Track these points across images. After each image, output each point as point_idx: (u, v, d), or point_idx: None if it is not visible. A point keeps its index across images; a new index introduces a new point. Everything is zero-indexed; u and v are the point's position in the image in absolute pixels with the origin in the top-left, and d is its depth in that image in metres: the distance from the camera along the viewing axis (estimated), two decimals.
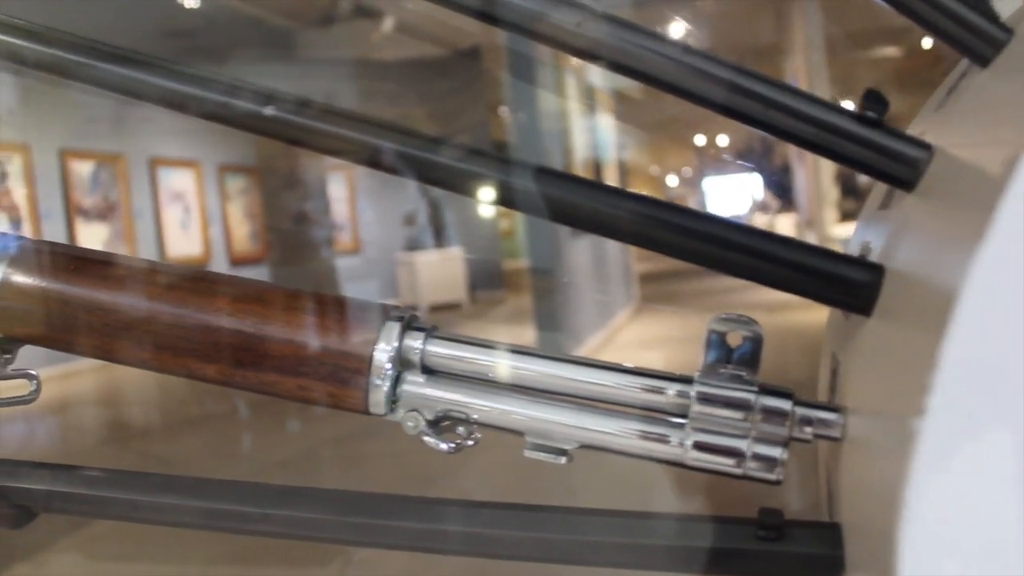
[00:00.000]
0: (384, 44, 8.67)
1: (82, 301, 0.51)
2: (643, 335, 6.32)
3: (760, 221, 12.53)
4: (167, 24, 6.55)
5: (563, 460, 0.47)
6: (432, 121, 8.80)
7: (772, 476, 0.45)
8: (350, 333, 0.49)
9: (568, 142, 5.99)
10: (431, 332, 0.49)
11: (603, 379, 0.47)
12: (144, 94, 0.55)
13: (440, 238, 8.98)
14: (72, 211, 6.80)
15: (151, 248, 7.47)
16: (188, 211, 7.94)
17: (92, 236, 6.90)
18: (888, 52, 9.72)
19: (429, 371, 0.49)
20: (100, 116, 7.07)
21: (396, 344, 0.48)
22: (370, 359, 0.48)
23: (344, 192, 9.25)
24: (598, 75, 6.96)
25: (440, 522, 0.51)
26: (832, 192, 8.66)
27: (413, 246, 8.86)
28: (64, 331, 0.52)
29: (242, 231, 8.59)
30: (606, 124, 7.61)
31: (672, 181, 16.83)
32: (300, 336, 0.49)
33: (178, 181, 7.86)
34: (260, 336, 0.50)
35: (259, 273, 8.56)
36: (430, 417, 0.48)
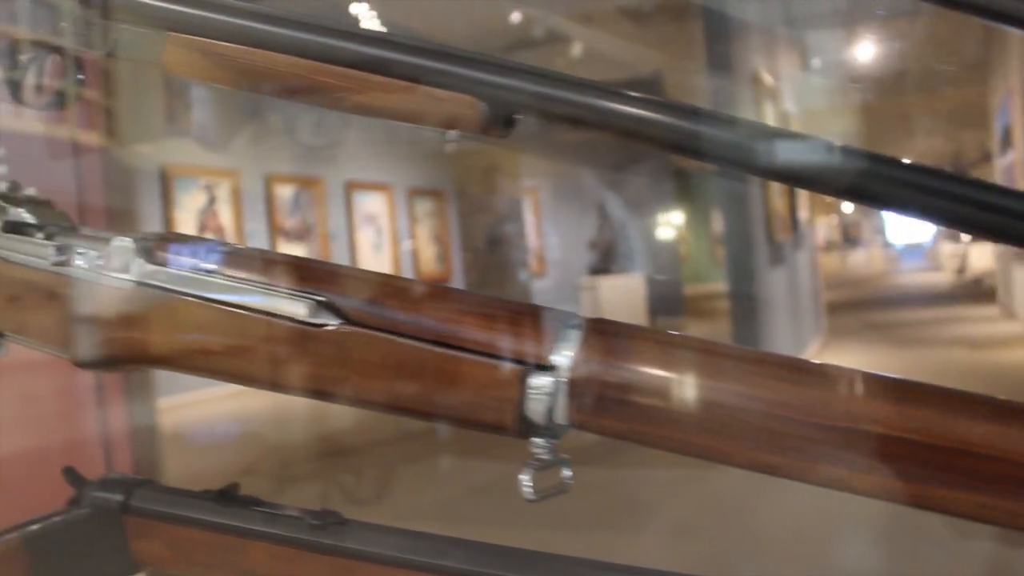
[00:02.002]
0: (568, 70, 8.72)
1: (697, 396, 0.46)
2: None
3: (948, 251, 11.89)
4: None
5: None
6: (613, 147, 8.80)
7: None
8: None
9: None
10: None
11: None
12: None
13: (623, 263, 8.95)
14: (275, 232, 7.15)
15: None
16: (380, 233, 8.21)
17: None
18: None
19: None
20: (302, 143, 7.41)
21: None
22: None
23: (529, 215, 9.36)
24: (791, 99, 6.79)
25: None
26: None
27: (597, 270, 8.87)
28: (660, 426, 0.47)
29: (428, 253, 8.81)
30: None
31: (847, 206, 16.24)
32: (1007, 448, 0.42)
33: (371, 204, 8.14)
34: (946, 448, 0.43)
35: None
36: None
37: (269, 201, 7.12)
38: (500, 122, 0.58)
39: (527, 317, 0.50)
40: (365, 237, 8.06)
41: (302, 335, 0.52)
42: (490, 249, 8.59)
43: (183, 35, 0.58)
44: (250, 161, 6.93)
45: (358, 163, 8.01)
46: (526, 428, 0.49)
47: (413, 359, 0.50)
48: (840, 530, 2.36)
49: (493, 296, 0.52)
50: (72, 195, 2.90)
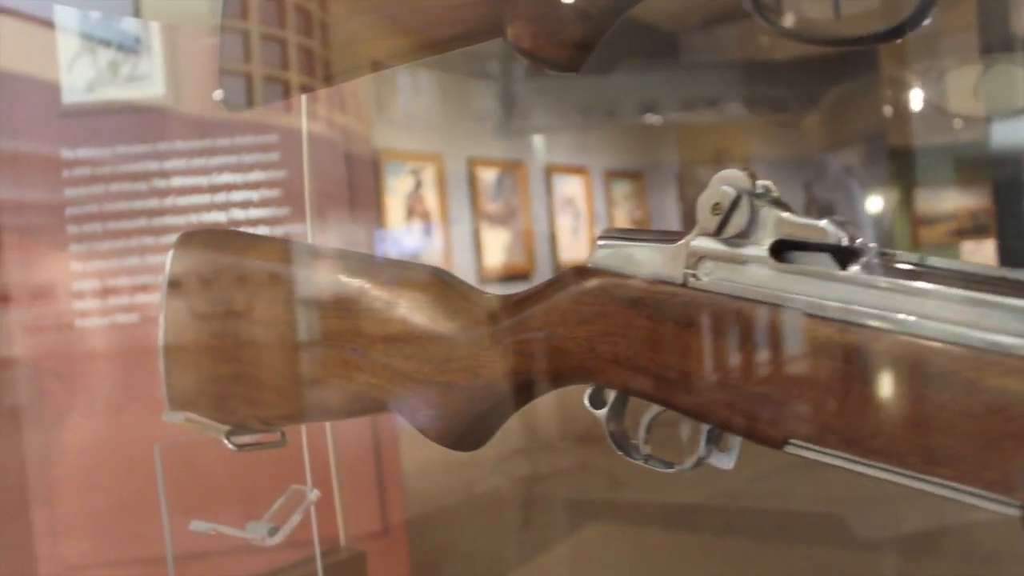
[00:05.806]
0: (774, 45, 8.30)
1: None
2: None
3: None
4: None
5: None
6: (821, 127, 8.35)
7: None
8: None
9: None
10: None
11: None
12: None
13: None
14: (478, 216, 7.08)
15: (545, 252, 7.65)
16: (577, 216, 8.05)
17: (495, 241, 7.16)
18: None
19: None
20: (502, 126, 7.30)
21: None
22: None
23: None
24: None
25: None
26: None
27: None
28: None
29: None
30: None
31: None
32: None
33: (569, 187, 8.00)
34: None
35: None
36: None
37: (472, 184, 7.04)
38: None
39: None
40: (564, 221, 7.91)
41: None
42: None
43: None
44: (453, 145, 6.87)
45: (556, 146, 7.87)
46: None
47: None
48: None
49: None
50: (344, 187, 2.78)
